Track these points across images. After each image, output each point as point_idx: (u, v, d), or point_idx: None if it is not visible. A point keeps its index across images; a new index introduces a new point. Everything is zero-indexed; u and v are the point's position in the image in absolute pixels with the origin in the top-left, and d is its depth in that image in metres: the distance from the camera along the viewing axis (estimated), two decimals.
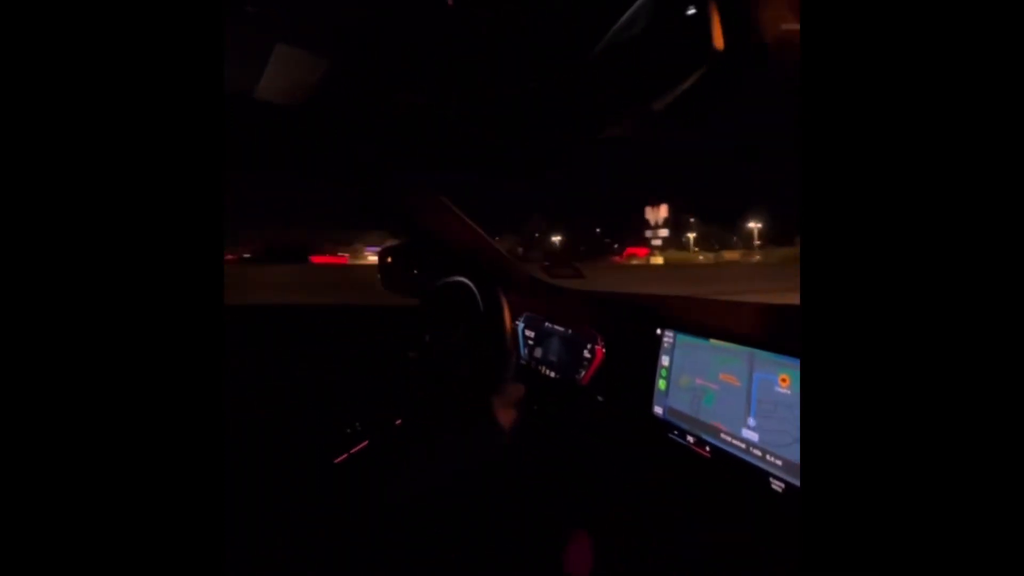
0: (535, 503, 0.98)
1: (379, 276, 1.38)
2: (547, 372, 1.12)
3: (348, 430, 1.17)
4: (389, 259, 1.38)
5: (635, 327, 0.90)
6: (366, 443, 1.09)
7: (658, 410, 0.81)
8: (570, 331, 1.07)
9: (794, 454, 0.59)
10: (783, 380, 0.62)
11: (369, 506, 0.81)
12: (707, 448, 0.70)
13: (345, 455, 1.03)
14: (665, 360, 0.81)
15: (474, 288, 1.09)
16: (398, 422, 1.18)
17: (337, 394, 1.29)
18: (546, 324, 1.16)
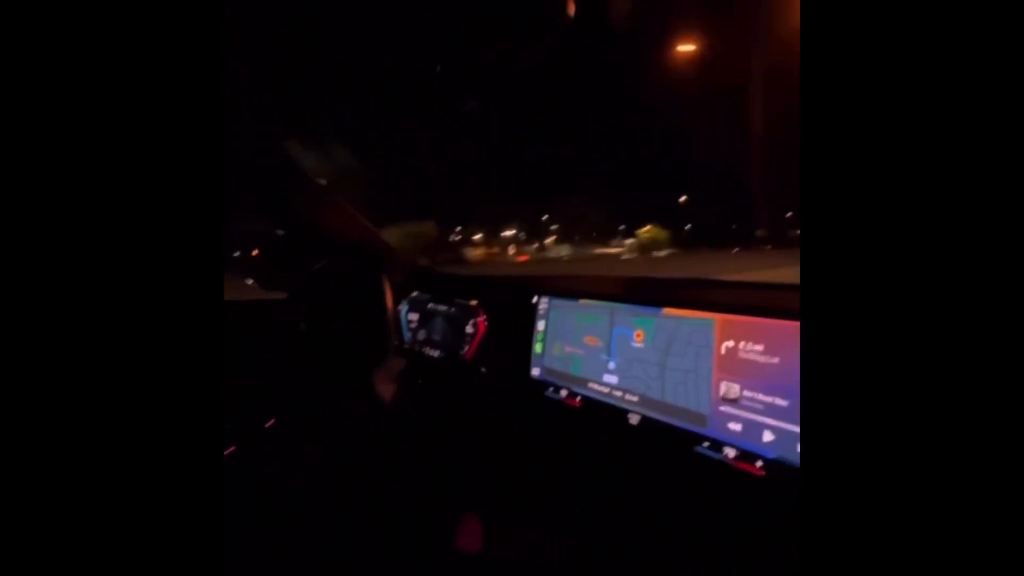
0: (427, 481, 0.97)
1: (252, 279, 1.27)
2: (431, 352, 1.11)
3: None
4: (260, 258, 1.28)
5: (513, 297, 0.94)
6: (233, 448, 0.99)
7: (535, 372, 0.85)
8: (452, 308, 1.08)
9: (648, 391, 0.66)
10: (638, 336, 0.69)
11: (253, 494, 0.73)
12: (577, 399, 0.75)
13: None
14: (541, 325, 0.86)
15: (353, 271, 1.04)
16: (269, 423, 1.08)
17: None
18: (429, 305, 1.16)
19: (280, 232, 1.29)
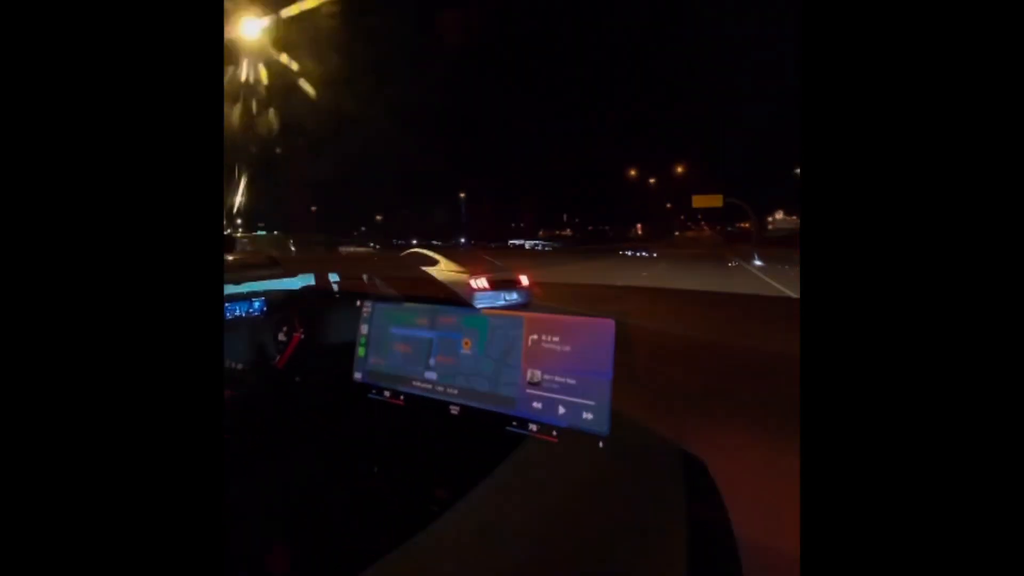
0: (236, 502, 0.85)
1: None
2: (234, 365, 0.99)
3: None
4: None
5: (336, 304, 0.91)
6: None
7: (358, 375, 0.84)
8: (261, 316, 0.99)
9: (467, 383, 0.73)
10: (466, 343, 0.75)
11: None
12: (401, 397, 0.78)
13: None
14: (364, 328, 0.86)
15: None
16: None
17: None
18: (236, 313, 1.03)
19: None
